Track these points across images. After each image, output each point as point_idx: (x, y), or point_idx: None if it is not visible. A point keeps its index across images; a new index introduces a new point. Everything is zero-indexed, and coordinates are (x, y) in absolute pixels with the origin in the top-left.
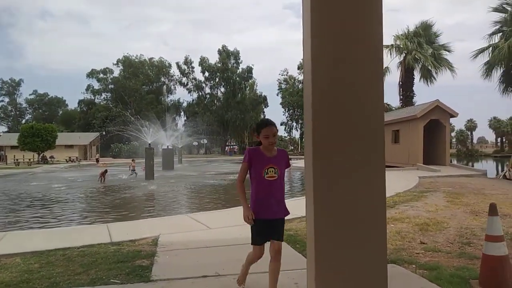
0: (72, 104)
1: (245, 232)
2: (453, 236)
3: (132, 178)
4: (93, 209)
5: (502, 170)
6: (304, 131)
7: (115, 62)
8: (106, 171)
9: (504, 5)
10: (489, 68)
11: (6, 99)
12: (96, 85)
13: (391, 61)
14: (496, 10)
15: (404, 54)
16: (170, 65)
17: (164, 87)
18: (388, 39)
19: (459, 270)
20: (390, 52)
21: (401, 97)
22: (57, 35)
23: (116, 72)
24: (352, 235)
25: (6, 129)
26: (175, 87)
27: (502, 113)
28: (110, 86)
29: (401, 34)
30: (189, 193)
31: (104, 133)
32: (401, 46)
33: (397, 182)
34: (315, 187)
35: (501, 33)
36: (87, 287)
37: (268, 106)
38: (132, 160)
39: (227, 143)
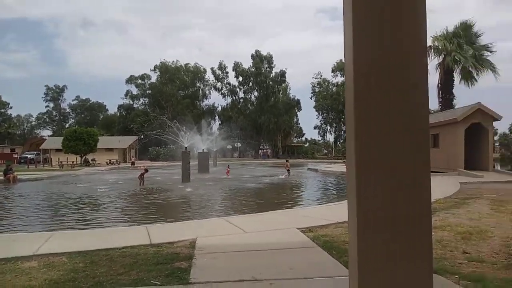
0: (112, 109)
1: (280, 237)
2: (498, 246)
3: (282, 179)
4: (132, 210)
5: None
6: (346, 136)
7: (153, 68)
8: (146, 170)
9: None
10: None
11: (51, 104)
12: (135, 91)
13: (430, 63)
14: None
15: (443, 56)
16: (205, 71)
17: (199, 92)
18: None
19: (507, 283)
20: (428, 53)
21: (441, 99)
22: (98, 43)
23: (154, 78)
24: (396, 242)
25: (51, 133)
26: (209, 92)
27: None
28: (147, 91)
29: (440, 35)
30: (224, 196)
31: (142, 136)
32: (440, 47)
33: (436, 188)
34: (358, 194)
35: None
36: (129, 287)
37: (301, 109)
38: (286, 161)
39: (260, 147)
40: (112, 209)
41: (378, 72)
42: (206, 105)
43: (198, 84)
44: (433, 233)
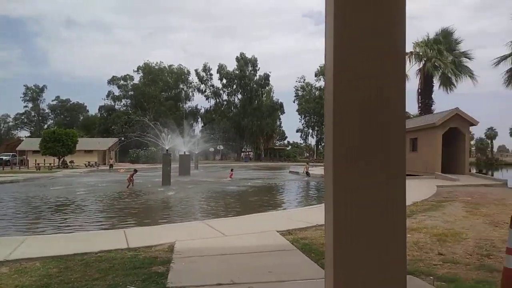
0: (93, 110)
1: (260, 240)
2: (472, 247)
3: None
4: (110, 214)
5: None
6: (324, 139)
7: (136, 69)
8: (135, 171)
9: None
10: (511, 76)
11: (30, 105)
12: (117, 92)
13: (410, 68)
14: None
15: (423, 61)
16: (189, 72)
17: (183, 93)
18: (407, 46)
19: (478, 283)
20: (409, 59)
21: (420, 104)
22: (81, 43)
23: (136, 79)
24: (371, 245)
25: (28, 134)
26: (193, 94)
27: None
28: (130, 92)
29: (421, 41)
30: (204, 199)
31: (123, 138)
32: (421, 53)
33: (414, 191)
34: (334, 196)
35: None
36: None
37: (284, 112)
38: (307, 163)
39: (242, 149)
40: (89, 212)
41: (357, 76)
42: (189, 107)
43: (181, 86)
44: (409, 235)
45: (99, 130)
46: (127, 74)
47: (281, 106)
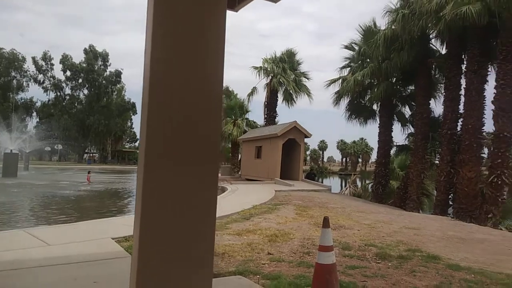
0: None
1: (91, 249)
2: (296, 246)
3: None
4: None
5: (345, 186)
6: (139, 144)
7: None
8: None
9: (353, 44)
10: (338, 97)
11: None
12: None
13: (259, 82)
14: (346, 47)
15: (270, 77)
16: (24, 59)
17: (14, 82)
18: (258, 61)
19: (297, 278)
20: (259, 73)
21: (266, 116)
22: None
23: None
24: (177, 247)
25: None
26: (28, 84)
27: (348, 136)
28: None
29: (269, 58)
30: (31, 204)
31: None
32: (268, 69)
33: (255, 195)
34: (143, 199)
35: (349, 68)
36: None
37: (137, 113)
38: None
39: (86, 150)
40: None
41: (174, 80)
42: (21, 99)
43: (13, 74)
44: (245, 237)
45: None
46: None
47: (133, 106)
